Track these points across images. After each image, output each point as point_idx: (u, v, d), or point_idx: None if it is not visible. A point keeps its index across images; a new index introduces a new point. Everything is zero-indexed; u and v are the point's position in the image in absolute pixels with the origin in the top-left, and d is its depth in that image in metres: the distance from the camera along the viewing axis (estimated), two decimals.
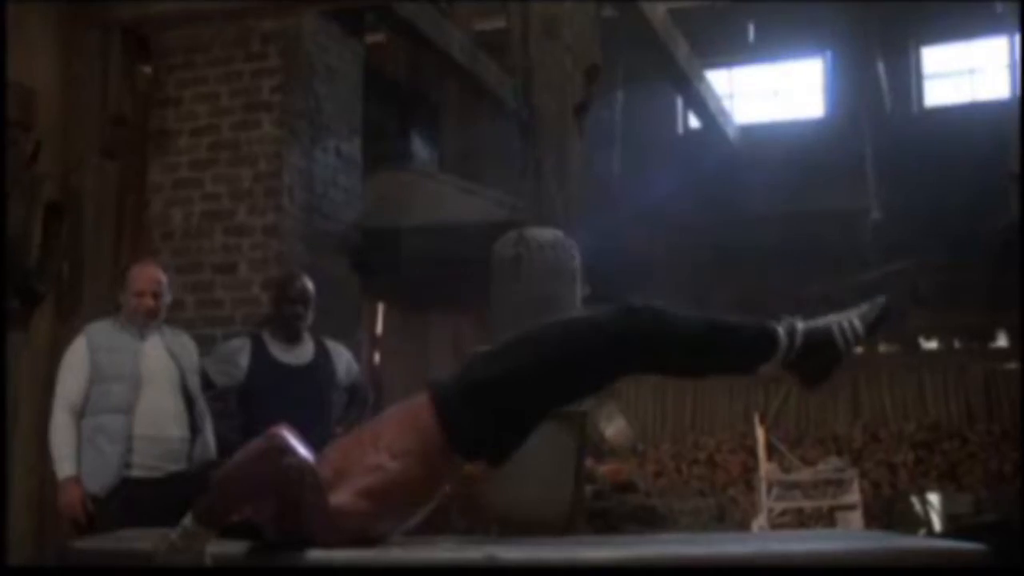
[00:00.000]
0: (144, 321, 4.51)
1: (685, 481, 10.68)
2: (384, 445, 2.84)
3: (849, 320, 2.99)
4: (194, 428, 4.54)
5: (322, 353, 4.84)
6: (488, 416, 2.86)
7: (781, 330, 2.92)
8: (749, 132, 11.55)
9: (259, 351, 4.77)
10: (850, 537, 3.60)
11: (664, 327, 2.92)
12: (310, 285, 4.84)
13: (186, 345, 4.71)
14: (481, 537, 3.53)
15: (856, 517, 9.03)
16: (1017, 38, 10.13)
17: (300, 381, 4.68)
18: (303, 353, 4.82)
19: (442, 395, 2.89)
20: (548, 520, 3.83)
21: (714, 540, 3.35)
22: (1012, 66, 11.03)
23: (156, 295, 4.54)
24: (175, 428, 4.46)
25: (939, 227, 10.05)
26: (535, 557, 2.72)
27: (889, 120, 11.08)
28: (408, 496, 2.87)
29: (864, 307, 3.03)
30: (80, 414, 4.36)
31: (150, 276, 4.59)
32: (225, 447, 4.58)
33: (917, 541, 3.29)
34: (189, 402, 4.54)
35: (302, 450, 2.70)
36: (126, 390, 4.36)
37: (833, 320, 2.98)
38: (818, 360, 2.98)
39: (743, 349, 2.97)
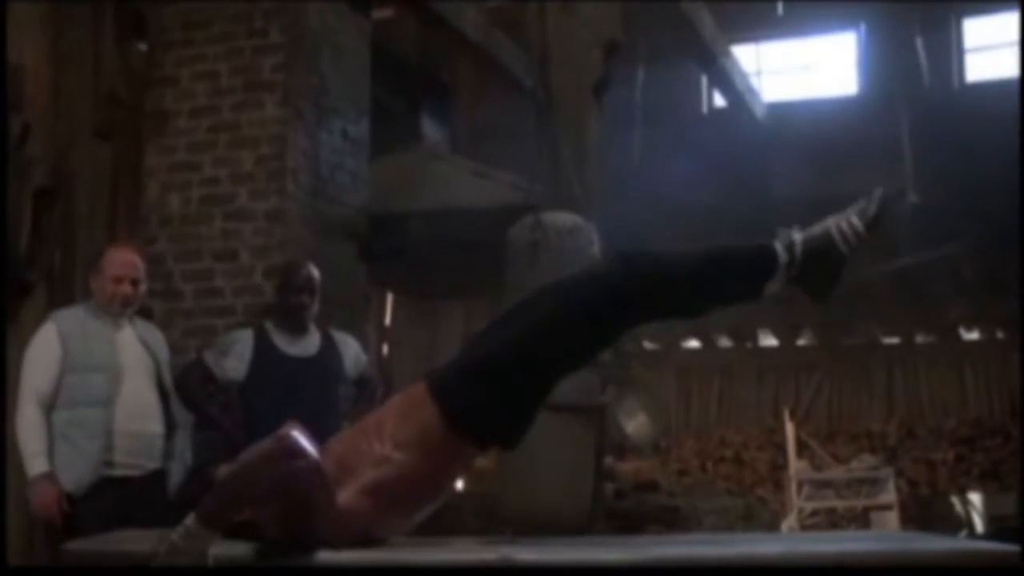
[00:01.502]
0: (120, 309, 4.43)
1: (710, 480, 10.70)
2: (388, 435, 2.86)
3: (847, 219, 3.01)
4: (169, 424, 4.52)
5: (328, 344, 4.85)
6: (489, 394, 2.87)
7: (779, 246, 2.96)
8: (778, 111, 11.52)
9: (262, 343, 4.79)
10: (885, 539, 3.61)
11: (662, 268, 2.95)
12: (315, 273, 4.85)
13: (157, 337, 4.67)
14: (496, 538, 3.55)
15: (892, 518, 9.04)
16: None
17: (305, 374, 4.69)
18: (308, 345, 4.83)
19: (439, 381, 2.91)
20: (566, 520, 3.85)
21: (740, 541, 3.35)
22: None
23: (134, 281, 4.47)
24: (154, 423, 4.43)
25: (981, 210, 10.01)
26: (552, 559, 2.74)
27: (927, 97, 11.03)
28: (415, 490, 2.89)
29: (861, 203, 3.05)
30: (50, 407, 4.27)
31: (127, 260, 4.49)
32: (229, 443, 4.59)
33: (956, 543, 3.29)
34: (164, 396, 4.52)
35: (312, 452, 2.71)
36: (105, 381, 4.29)
37: (831, 223, 3.00)
38: (823, 268, 3.00)
39: (744, 273, 3.00)
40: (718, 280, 2.99)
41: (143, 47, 6.18)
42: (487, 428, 2.92)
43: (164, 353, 4.63)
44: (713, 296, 3.06)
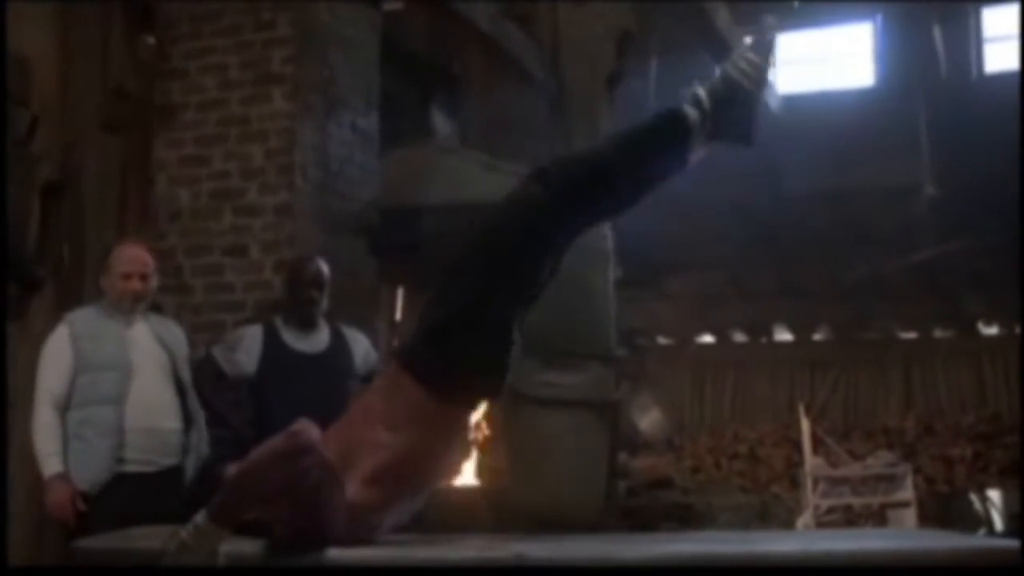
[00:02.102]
0: (130, 306, 4.47)
1: (724, 476, 10.69)
2: (378, 421, 2.88)
3: (742, 56, 3.04)
4: (188, 420, 4.54)
5: (338, 340, 4.85)
6: (458, 353, 2.91)
7: (686, 107, 2.99)
8: (793, 103, 11.49)
9: (271, 338, 4.79)
10: (903, 536, 3.60)
11: (579, 168, 3.00)
12: (325, 268, 4.86)
13: (175, 333, 4.69)
14: (508, 535, 3.56)
15: (909, 515, 9.02)
16: None
17: (315, 370, 4.69)
18: (318, 340, 4.84)
19: (408, 355, 2.96)
20: (579, 517, 3.85)
21: (754, 539, 3.35)
22: None
23: (144, 277, 4.49)
24: (169, 419, 4.45)
25: (1000, 203, 9.96)
26: (565, 556, 2.74)
27: (945, 88, 10.99)
28: (418, 468, 2.91)
29: (749, 37, 3.11)
30: (65, 408, 4.31)
31: (136, 257, 4.52)
32: (238, 440, 4.60)
33: (975, 540, 3.29)
34: (181, 392, 4.54)
35: (323, 449, 2.72)
36: (116, 379, 4.32)
37: (728, 66, 3.03)
38: (738, 112, 3.03)
39: (662, 146, 3.04)
40: (638, 161, 3.03)
41: (151, 40, 6.18)
42: (466, 386, 2.96)
43: (182, 348, 4.64)
44: (638, 179, 3.08)
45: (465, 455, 3.07)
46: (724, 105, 2.98)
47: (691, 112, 2.97)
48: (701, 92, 2.98)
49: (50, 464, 4.26)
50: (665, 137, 3.01)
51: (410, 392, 2.90)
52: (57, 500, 4.22)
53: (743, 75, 2.98)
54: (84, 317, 4.50)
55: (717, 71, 3.01)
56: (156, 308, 5.04)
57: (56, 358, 4.38)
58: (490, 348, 2.96)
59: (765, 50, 3.01)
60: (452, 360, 2.91)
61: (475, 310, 2.93)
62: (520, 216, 2.97)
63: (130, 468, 4.31)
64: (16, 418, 5.15)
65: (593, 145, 3.04)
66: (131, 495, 4.19)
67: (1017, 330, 10.94)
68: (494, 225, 3.01)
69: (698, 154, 3.02)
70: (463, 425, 3.07)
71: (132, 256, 4.53)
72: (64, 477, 4.24)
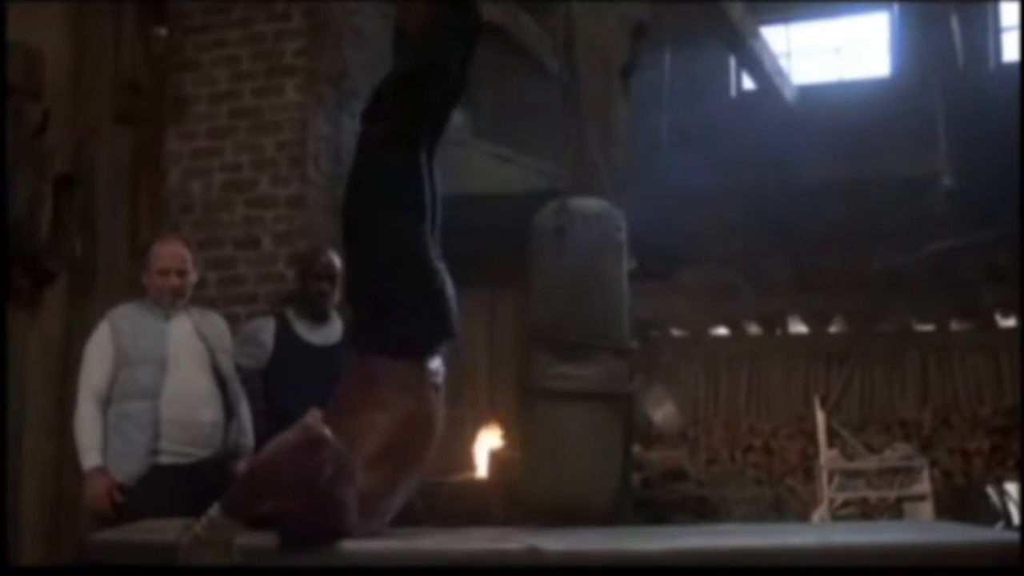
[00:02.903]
0: (170, 301, 4.58)
1: (739, 469, 10.66)
2: (361, 407, 2.93)
3: None
4: (228, 411, 4.61)
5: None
6: (392, 307, 2.99)
7: None
8: (808, 93, 11.43)
9: (284, 331, 4.82)
10: (919, 529, 3.60)
11: (393, 82, 3.16)
12: (337, 260, 4.87)
13: (216, 324, 4.78)
14: (521, 528, 3.56)
15: (926, 509, 9.00)
16: None
17: (328, 362, 4.70)
18: (330, 332, 4.86)
19: (358, 343, 3.11)
20: (592, 510, 3.84)
21: (770, 531, 3.36)
22: None
23: (181, 273, 4.62)
24: (206, 412, 4.53)
25: (1017, 194, 9.91)
26: (579, 549, 2.74)
27: (963, 78, 10.93)
28: (411, 439, 2.95)
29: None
30: (106, 402, 4.42)
31: (174, 253, 4.66)
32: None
33: (992, 534, 3.29)
34: (221, 384, 4.60)
35: (337, 442, 2.73)
36: (152, 373, 4.43)
37: None
38: None
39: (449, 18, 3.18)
40: (436, 40, 3.17)
41: (163, 32, 6.20)
42: (421, 332, 3.03)
43: (222, 340, 4.73)
44: (445, 53, 3.20)
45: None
46: None
47: None
48: None
49: (89, 458, 4.39)
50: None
51: (383, 371, 2.98)
52: (95, 493, 4.34)
53: None
54: (125, 313, 4.62)
55: None
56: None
57: (98, 353, 4.51)
58: (418, 286, 3.10)
59: None
60: (396, 317, 3.02)
61: (385, 264, 3.03)
62: (375, 158, 3.11)
63: (166, 460, 4.41)
64: (30, 409, 5.18)
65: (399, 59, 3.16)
66: (167, 487, 4.28)
67: None
68: (359, 182, 3.19)
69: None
70: (435, 375, 3.13)
71: (170, 252, 4.65)
72: (103, 470, 4.37)
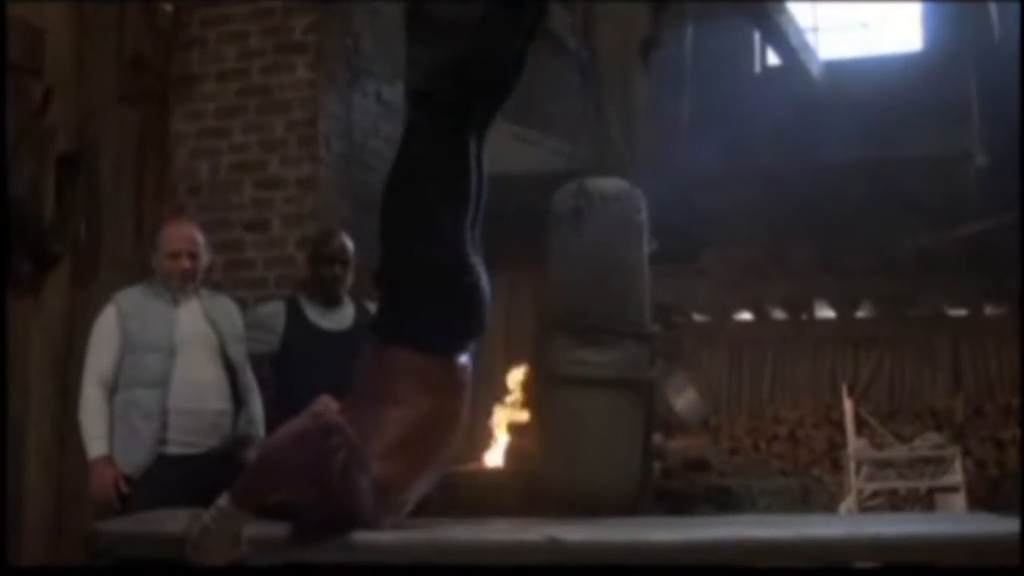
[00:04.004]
0: (179, 285, 4.55)
1: (764, 459, 10.64)
2: (380, 398, 2.91)
3: None
4: (237, 400, 4.58)
5: (363, 317, 4.87)
6: (424, 297, 2.96)
7: None
8: (835, 69, 11.38)
9: (295, 316, 4.82)
10: (952, 520, 3.59)
11: (442, 71, 3.06)
12: (349, 243, 4.88)
13: (227, 310, 4.75)
14: (541, 518, 3.57)
15: (958, 500, 8.96)
16: None
17: (340, 348, 4.70)
18: (343, 318, 4.86)
19: (381, 329, 3.01)
20: (612, 500, 3.85)
21: (795, 522, 3.35)
22: None
23: (193, 256, 4.58)
24: (214, 400, 4.50)
25: None
26: (599, 539, 2.75)
27: (997, 53, 10.84)
28: (431, 434, 2.94)
29: None
30: (112, 389, 4.40)
31: (185, 235, 4.62)
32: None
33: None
34: (231, 372, 4.58)
35: (349, 429, 2.73)
36: (159, 361, 4.40)
37: None
38: None
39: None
40: (484, 33, 3.09)
41: (168, 8, 6.19)
42: (450, 328, 3.00)
43: (232, 326, 4.70)
44: (504, 43, 3.17)
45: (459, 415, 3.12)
46: None
47: None
48: None
49: (95, 446, 4.37)
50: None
51: (405, 363, 2.94)
52: (101, 483, 4.32)
53: None
54: (132, 296, 4.58)
55: None
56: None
57: (103, 338, 4.47)
58: (452, 278, 3.02)
59: None
60: (426, 309, 2.98)
61: (421, 252, 3.00)
62: (423, 144, 3.06)
63: (173, 450, 4.39)
64: (34, 396, 5.20)
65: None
66: (174, 477, 4.27)
67: None
68: (404, 167, 3.09)
69: None
70: (464, 377, 3.11)
71: (180, 234, 4.61)
72: (108, 460, 4.35)
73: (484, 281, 3.10)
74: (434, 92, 3.01)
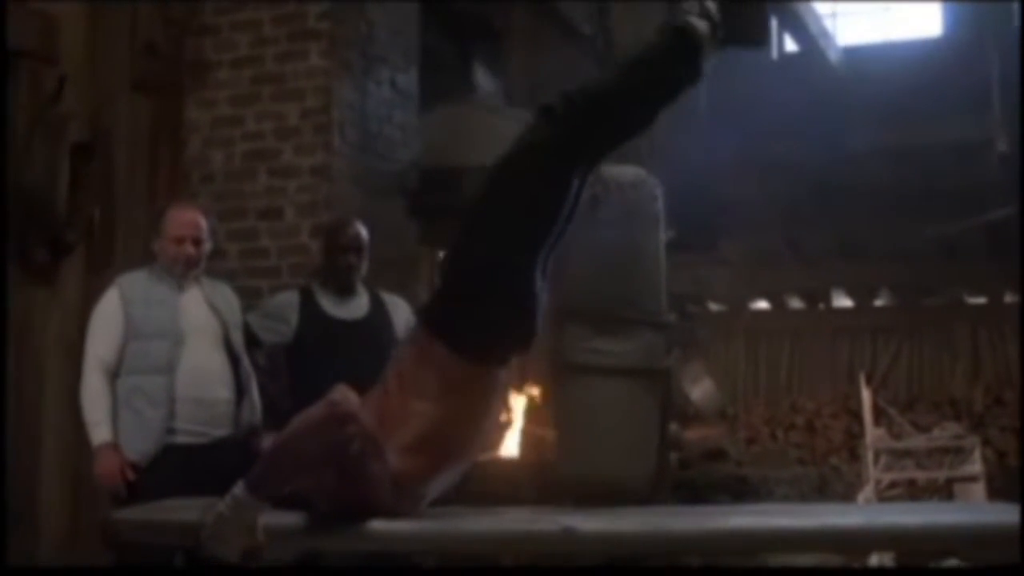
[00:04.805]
0: (183, 271, 4.52)
1: (781, 449, 10.65)
2: (411, 389, 2.90)
3: None
4: (239, 389, 4.58)
5: (378, 307, 4.88)
6: (483, 306, 2.92)
7: (693, 19, 2.99)
8: (854, 55, 11.34)
9: (309, 305, 4.82)
10: (971, 510, 3.59)
11: (588, 99, 2.99)
12: (363, 232, 4.88)
13: (228, 297, 4.73)
14: (556, 508, 3.58)
15: (978, 490, 8.94)
16: None
17: (354, 337, 4.72)
18: (357, 307, 4.86)
19: (431, 317, 2.97)
20: (629, 490, 3.85)
21: (813, 512, 3.35)
22: None
23: (196, 241, 4.54)
24: (221, 389, 4.49)
25: None
26: (615, 529, 2.75)
27: (1018, 36, 10.79)
28: (458, 434, 2.93)
29: None
30: (114, 374, 4.37)
31: (189, 220, 4.58)
32: (275, 410, 4.64)
33: None
34: (233, 360, 4.57)
35: (364, 417, 2.74)
36: (166, 348, 4.37)
37: None
38: (745, 12, 3.04)
39: (674, 62, 3.05)
40: (648, 84, 3.04)
41: None
42: (497, 342, 2.97)
43: (234, 314, 4.67)
44: (650, 100, 3.09)
45: (506, 420, 3.09)
46: (732, 8, 2.97)
47: (699, 24, 2.96)
48: (707, 2, 2.97)
49: (99, 432, 4.33)
50: (675, 55, 3.02)
51: (441, 359, 2.92)
52: (106, 470, 4.29)
53: None
54: (135, 281, 4.54)
55: None
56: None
57: (106, 323, 4.43)
58: (515, 299, 2.98)
59: None
60: (478, 318, 2.93)
61: (495, 262, 2.95)
62: (530, 158, 2.99)
63: (180, 439, 4.36)
64: (49, 384, 5.23)
65: (602, 75, 3.04)
66: (181, 466, 4.25)
67: None
68: (504, 172, 3.03)
69: (711, 63, 3.02)
70: (499, 384, 3.08)
71: (185, 219, 4.58)
72: (113, 446, 4.31)
73: (541, 309, 3.05)
74: (564, 113, 2.97)
